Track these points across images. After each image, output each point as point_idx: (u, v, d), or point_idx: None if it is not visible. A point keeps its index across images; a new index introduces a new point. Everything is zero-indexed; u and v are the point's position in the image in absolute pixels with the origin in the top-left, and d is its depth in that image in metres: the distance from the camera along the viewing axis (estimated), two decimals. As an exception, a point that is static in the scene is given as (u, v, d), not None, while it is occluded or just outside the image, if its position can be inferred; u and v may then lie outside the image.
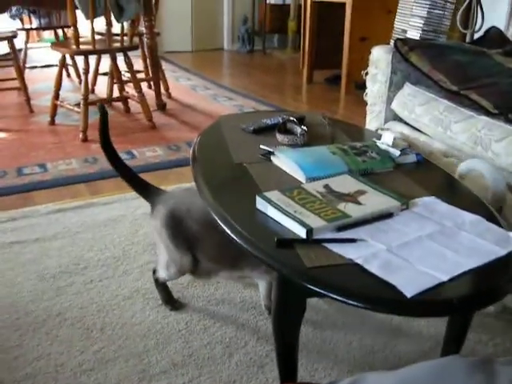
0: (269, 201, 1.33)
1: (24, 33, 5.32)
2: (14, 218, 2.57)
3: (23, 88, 4.38)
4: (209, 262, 1.75)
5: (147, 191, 1.90)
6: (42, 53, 6.85)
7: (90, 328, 1.83)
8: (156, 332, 1.81)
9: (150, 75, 4.70)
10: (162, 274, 1.88)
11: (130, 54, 4.08)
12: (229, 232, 1.28)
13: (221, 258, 1.72)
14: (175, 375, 1.63)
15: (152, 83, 4.71)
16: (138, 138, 3.81)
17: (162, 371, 1.64)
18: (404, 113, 2.43)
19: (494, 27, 2.77)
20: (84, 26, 3.89)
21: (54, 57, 5.05)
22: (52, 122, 4.08)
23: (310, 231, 1.20)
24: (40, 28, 5.68)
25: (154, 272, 1.94)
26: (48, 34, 7.39)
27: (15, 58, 4.30)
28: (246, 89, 5.41)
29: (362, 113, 2.85)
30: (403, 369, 1.10)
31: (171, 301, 1.95)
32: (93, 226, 2.51)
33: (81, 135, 3.71)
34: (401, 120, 2.52)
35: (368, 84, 2.70)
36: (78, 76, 5.35)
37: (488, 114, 2.10)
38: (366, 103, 2.76)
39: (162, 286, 1.94)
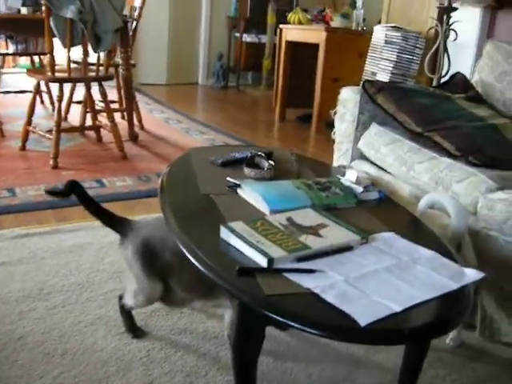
0: (232, 231, 1.37)
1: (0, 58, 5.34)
2: (-20, 241, 2.56)
3: (-5, 112, 4.39)
4: (183, 292, 1.76)
5: (115, 222, 1.90)
6: (17, 78, 6.86)
7: (50, 353, 1.83)
8: (117, 359, 1.82)
9: (124, 106, 4.74)
10: (129, 302, 1.88)
11: (105, 84, 4.12)
12: (192, 260, 1.31)
13: (196, 287, 1.73)
14: (134, 402, 1.63)
15: (125, 114, 4.75)
16: (109, 168, 3.82)
17: (122, 398, 1.65)
18: (370, 152, 2.50)
19: (458, 73, 2.88)
20: (60, 54, 3.94)
21: (29, 83, 5.08)
22: (23, 148, 4.08)
23: (270, 261, 1.24)
24: (16, 54, 5.72)
25: (120, 298, 1.94)
26: (24, 60, 7.42)
27: (-11, 83, 4.32)
28: (218, 124, 5.48)
29: (331, 151, 2.92)
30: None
31: (134, 328, 1.95)
32: (58, 252, 2.51)
33: (51, 162, 3.71)
34: (367, 159, 2.59)
35: (336, 123, 2.78)
36: (52, 103, 5.37)
37: (450, 155, 2.18)
38: (334, 141, 2.84)
39: (126, 314, 1.95)
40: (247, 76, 8.20)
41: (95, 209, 1.89)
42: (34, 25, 3.89)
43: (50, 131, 3.85)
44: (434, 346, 1.95)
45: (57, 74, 3.77)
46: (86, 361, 1.80)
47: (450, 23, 3.54)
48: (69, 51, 3.70)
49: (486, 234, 1.94)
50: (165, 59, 7.72)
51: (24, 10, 4.23)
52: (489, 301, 1.97)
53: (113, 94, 4.98)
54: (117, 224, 1.90)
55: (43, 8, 3.54)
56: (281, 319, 1.10)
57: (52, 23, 3.60)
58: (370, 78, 3.50)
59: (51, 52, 3.68)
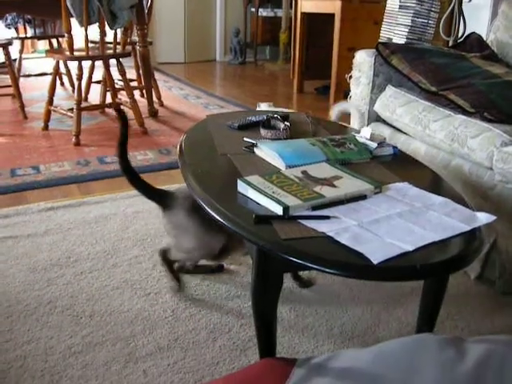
0: (249, 184, 1.41)
1: (19, 42, 5.40)
2: (7, 215, 2.63)
3: (17, 95, 4.46)
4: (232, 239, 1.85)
5: (159, 194, 2.02)
6: (37, 63, 6.94)
7: (79, 315, 1.89)
8: (143, 319, 1.88)
9: (143, 83, 4.78)
10: (179, 257, 2.00)
11: (123, 63, 4.16)
12: (211, 212, 1.35)
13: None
14: (161, 357, 1.69)
15: (144, 91, 4.79)
16: (130, 143, 3.79)
17: (148, 354, 1.70)
18: (386, 114, 2.52)
19: (473, 33, 2.86)
20: (78, 35, 3.98)
21: (48, 66, 5.14)
22: (45, 128, 4.15)
23: (286, 209, 1.28)
24: (35, 37, 5.78)
25: (163, 253, 2.03)
26: (42, 45, 7.48)
27: (10, 66, 4.38)
28: (237, 98, 5.50)
29: (349, 120, 2.93)
30: (378, 345, 1.17)
31: (178, 279, 2.05)
32: (84, 223, 2.57)
33: (73, 139, 3.78)
34: (384, 121, 2.60)
35: (352, 87, 2.79)
36: (72, 84, 5.44)
37: (465, 112, 2.19)
38: (350, 106, 2.85)
39: (171, 267, 2.05)
40: (265, 51, 8.18)
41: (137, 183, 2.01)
42: (51, 5, 3.93)
43: (71, 110, 3.91)
44: (454, 301, 1.98)
45: (75, 53, 3.82)
46: (113, 321, 1.86)
47: (464, -16, 3.52)
48: (86, 30, 3.74)
49: (503, 186, 1.96)
50: (182, 37, 7.73)
51: (40, -8, 4.27)
52: (507, 255, 1.99)
53: (131, 74, 5.03)
54: (159, 195, 2.01)
55: (59, -13, 3.58)
56: (297, 260, 1.14)
57: (68, 3, 3.64)
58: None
59: (69, 31, 3.73)
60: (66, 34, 3.75)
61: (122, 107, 4.34)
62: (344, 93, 4.96)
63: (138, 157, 3.56)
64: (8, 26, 5.45)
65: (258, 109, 2.72)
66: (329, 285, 2.09)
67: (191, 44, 7.81)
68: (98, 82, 4.81)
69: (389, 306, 1.97)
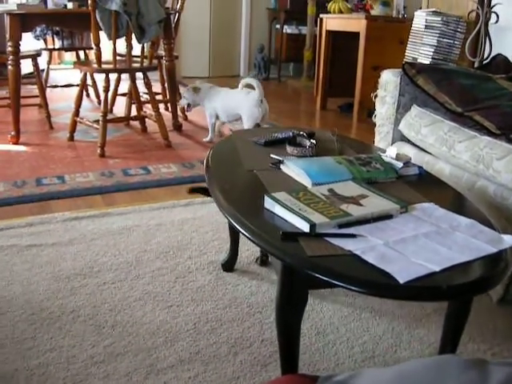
0: (276, 200, 1.42)
1: (47, 53, 5.48)
2: (32, 223, 2.66)
3: (44, 105, 4.53)
4: None
5: None
6: (63, 74, 7.04)
7: (101, 325, 1.91)
8: (165, 331, 1.89)
9: (168, 97, 4.83)
10: None
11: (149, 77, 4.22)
12: (238, 228, 1.37)
13: None
14: (182, 370, 1.70)
15: (169, 105, 4.84)
16: (154, 156, 3.92)
17: (170, 366, 1.71)
18: (410, 133, 2.52)
19: (500, 54, 2.87)
20: (105, 48, 4.04)
21: (75, 78, 5.20)
22: (71, 138, 4.21)
23: (313, 226, 1.29)
24: (63, 49, 5.86)
25: None
26: (69, 57, 7.59)
27: (38, 76, 4.45)
28: (260, 114, 5.52)
29: (373, 139, 2.93)
30: (399, 364, 1.17)
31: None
32: (107, 234, 2.60)
33: (99, 151, 3.83)
34: (408, 141, 2.61)
35: (377, 106, 2.80)
36: (97, 96, 5.51)
37: (490, 134, 2.19)
38: (374, 125, 2.86)
39: None
40: (288, 67, 8.23)
41: None
42: (80, 19, 4.01)
43: (96, 121, 3.96)
44: (476, 323, 1.97)
45: (102, 66, 3.87)
46: (135, 332, 1.87)
47: (491, 5, 3.52)
48: (114, 43, 3.80)
49: (528, 210, 1.95)
50: (207, 52, 7.81)
51: (70, 5, 4.33)
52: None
53: (156, 87, 5.08)
54: None
55: (89, 1, 3.64)
56: (323, 277, 1.14)
57: (97, 16, 3.70)
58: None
59: (97, 44, 3.79)
60: (94, 47, 3.81)
61: (146, 121, 4.41)
62: (368, 111, 4.97)
63: (162, 169, 3.59)
64: (37, 37, 5.54)
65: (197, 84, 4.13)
66: (350, 303, 2.09)
67: (216, 59, 7.89)
68: (123, 95, 4.87)
69: (410, 326, 1.96)
